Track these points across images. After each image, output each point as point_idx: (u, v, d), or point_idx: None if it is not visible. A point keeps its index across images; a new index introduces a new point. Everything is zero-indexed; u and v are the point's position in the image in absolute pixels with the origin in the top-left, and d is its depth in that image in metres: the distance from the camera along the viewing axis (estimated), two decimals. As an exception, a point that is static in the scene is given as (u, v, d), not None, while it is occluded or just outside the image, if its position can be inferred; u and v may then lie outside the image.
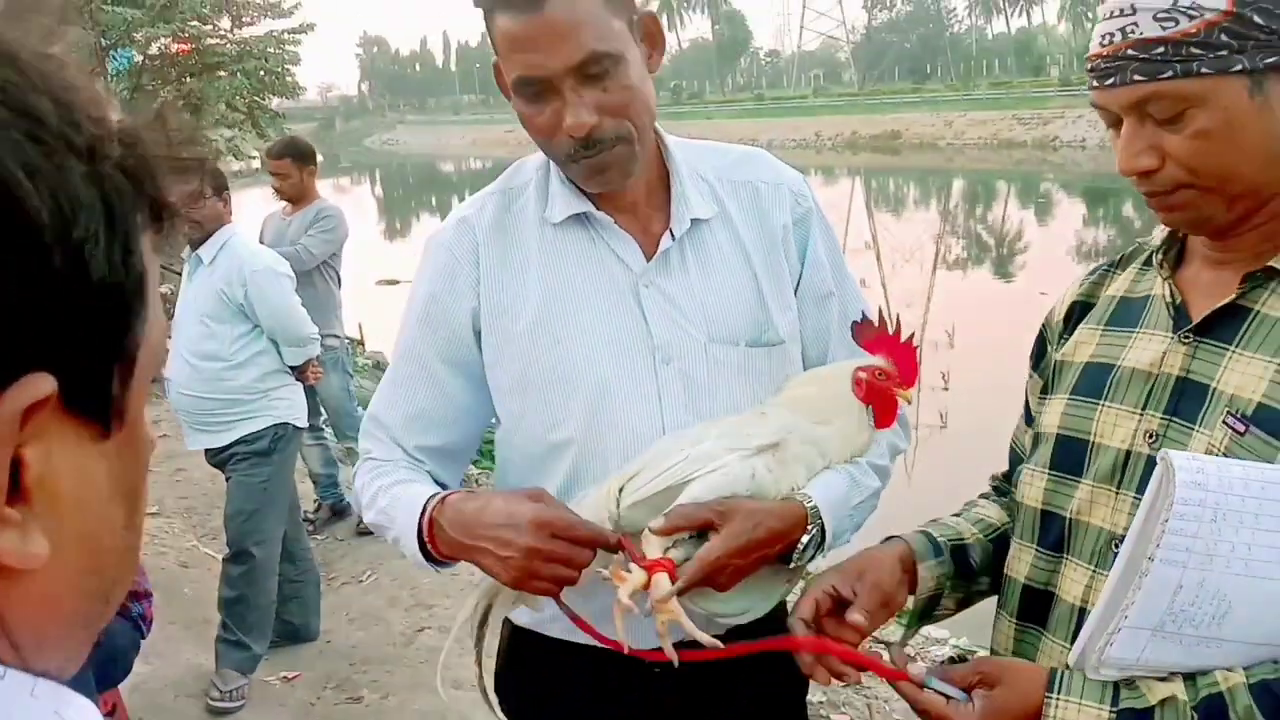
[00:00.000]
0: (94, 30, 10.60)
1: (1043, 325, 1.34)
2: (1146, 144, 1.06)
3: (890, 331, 1.31)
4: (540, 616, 1.42)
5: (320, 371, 3.98)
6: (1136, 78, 1.04)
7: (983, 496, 1.44)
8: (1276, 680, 0.98)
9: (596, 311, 1.38)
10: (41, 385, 0.40)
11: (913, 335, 1.32)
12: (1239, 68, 1.01)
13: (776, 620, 1.43)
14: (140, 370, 0.46)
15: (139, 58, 12.54)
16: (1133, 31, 1.03)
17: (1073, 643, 1.09)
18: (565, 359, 1.37)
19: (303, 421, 3.79)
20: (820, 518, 1.28)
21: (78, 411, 0.43)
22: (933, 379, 8.26)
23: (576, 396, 1.37)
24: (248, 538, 3.57)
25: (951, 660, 1.35)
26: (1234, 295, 1.09)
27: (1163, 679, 1.02)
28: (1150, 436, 1.12)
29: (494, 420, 1.49)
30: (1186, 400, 1.10)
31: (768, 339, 1.41)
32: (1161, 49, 1.02)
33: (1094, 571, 1.14)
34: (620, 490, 1.28)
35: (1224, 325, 1.09)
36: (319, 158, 5.23)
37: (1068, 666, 1.07)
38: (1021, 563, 1.24)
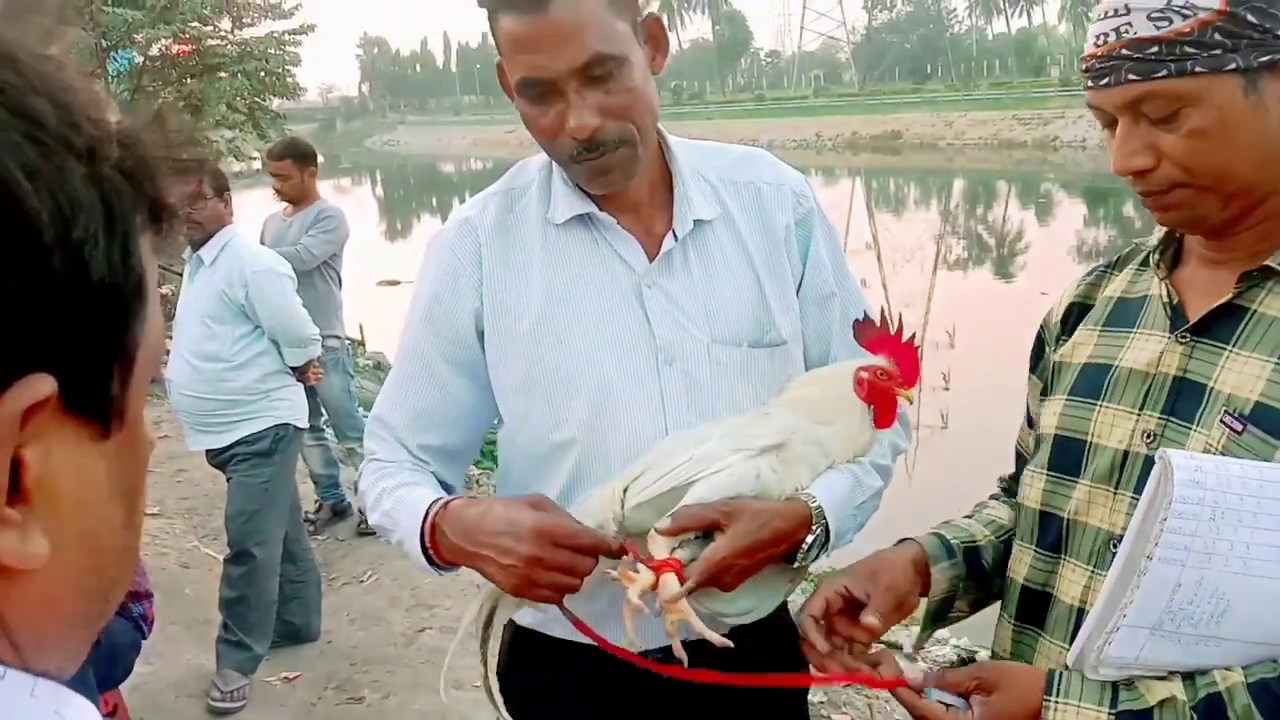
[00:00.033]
0: (95, 31, 10.59)
1: (1041, 327, 1.34)
2: (1141, 143, 1.06)
3: (891, 332, 1.31)
4: (543, 617, 1.42)
5: (321, 372, 3.98)
6: (1131, 77, 1.04)
7: (992, 498, 1.44)
8: (1275, 679, 0.98)
9: (599, 312, 1.38)
10: (41, 386, 0.40)
11: (914, 335, 1.32)
12: (1233, 66, 1.01)
13: (777, 620, 1.43)
14: (140, 370, 0.46)
15: (140, 59, 12.52)
16: (1127, 31, 1.03)
17: (1071, 643, 1.09)
18: (568, 359, 1.37)
19: (304, 422, 3.79)
20: (825, 518, 1.28)
21: (78, 412, 0.43)
22: (934, 379, 8.26)
23: (579, 397, 1.37)
24: (249, 538, 3.57)
25: (954, 662, 1.35)
26: (1231, 295, 1.09)
27: (1161, 679, 1.02)
28: (1148, 436, 1.12)
29: (496, 420, 1.49)
30: (1184, 400, 1.10)
31: (770, 340, 1.41)
32: (1156, 48, 1.02)
33: (1092, 572, 1.14)
34: (625, 491, 1.28)
35: (1221, 325, 1.09)
36: (320, 159, 5.23)
37: (1066, 667, 1.07)
38: (1021, 564, 1.24)
